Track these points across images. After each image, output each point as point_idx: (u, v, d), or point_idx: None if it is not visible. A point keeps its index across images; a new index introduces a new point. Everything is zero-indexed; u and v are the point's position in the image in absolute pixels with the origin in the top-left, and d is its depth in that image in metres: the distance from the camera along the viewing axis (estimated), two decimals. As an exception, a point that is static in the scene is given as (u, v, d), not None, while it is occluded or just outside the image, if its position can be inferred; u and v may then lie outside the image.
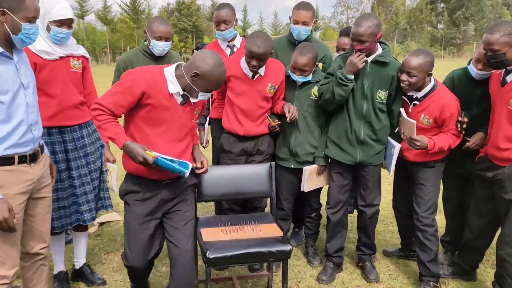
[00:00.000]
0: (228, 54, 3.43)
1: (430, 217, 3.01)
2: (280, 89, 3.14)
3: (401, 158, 3.03)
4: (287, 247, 2.60)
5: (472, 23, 58.61)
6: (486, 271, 3.24)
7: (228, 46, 3.47)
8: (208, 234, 2.69)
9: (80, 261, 3.16)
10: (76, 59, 2.84)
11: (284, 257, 2.61)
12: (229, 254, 2.52)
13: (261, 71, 3.03)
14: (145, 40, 3.27)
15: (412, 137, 2.83)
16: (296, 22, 3.28)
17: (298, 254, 3.57)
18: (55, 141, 2.80)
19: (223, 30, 3.36)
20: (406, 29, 63.79)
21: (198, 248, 2.81)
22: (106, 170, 3.05)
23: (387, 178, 5.22)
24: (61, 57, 2.75)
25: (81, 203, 2.91)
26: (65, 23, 2.67)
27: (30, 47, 2.60)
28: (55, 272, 3.07)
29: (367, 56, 2.88)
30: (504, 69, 2.67)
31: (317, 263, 3.39)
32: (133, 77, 2.34)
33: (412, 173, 3.07)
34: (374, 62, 2.90)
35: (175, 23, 56.45)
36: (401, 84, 2.88)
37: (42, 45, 2.66)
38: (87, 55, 2.96)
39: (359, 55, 2.82)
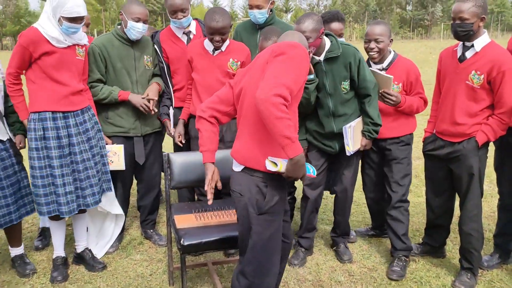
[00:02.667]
0: (186, 42, 3.34)
1: (406, 193, 3.12)
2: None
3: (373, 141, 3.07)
4: (262, 232, 2.60)
5: (440, 4, 59.48)
6: (455, 248, 3.34)
7: (184, 33, 3.34)
8: (182, 221, 2.67)
9: (80, 244, 3.15)
10: (80, 47, 2.88)
11: (259, 241, 2.61)
12: (204, 240, 2.51)
13: (223, 47, 3.10)
14: (119, 24, 3.21)
15: (388, 92, 2.91)
16: (251, 7, 3.33)
17: (272, 237, 3.59)
18: (60, 126, 2.81)
19: (180, 19, 3.22)
20: (376, 11, 64.28)
21: (173, 235, 2.79)
22: (107, 152, 3.07)
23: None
24: (69, 46, 2.80)
25: (85, 187, 2.91)
26: (77, 19, 2.69)
27: (42, 32, 2.69)
28: (54, 256, 3.06)
29: (318, 54, 2.89)
30: (462, 45, 2.74)
31: (292, 245, 3.42)
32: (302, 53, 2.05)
33: (385, 153, 3.13)
34: (326, 59, 2.90)
35: (143, 5, 55.11)
36: (370, 53, 3.00)
37: (54, 33, 2.71)
38: (87, 43, 2.99)
39: None
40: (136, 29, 3.09)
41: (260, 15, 3.33)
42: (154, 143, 3.42)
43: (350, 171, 3.14)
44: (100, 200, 2.99)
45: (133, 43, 3.20)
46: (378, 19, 60.76)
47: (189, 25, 3.35)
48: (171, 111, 3.40)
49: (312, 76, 2.86)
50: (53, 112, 2.79)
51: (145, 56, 3.27)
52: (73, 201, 2.86)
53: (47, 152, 2.80)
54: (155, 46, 3.34)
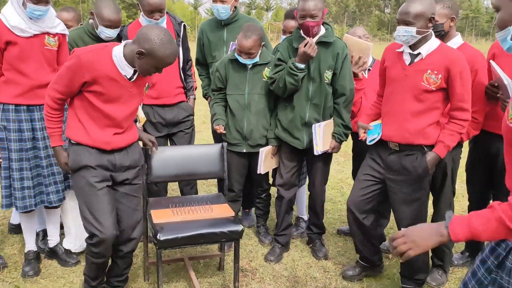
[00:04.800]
0: None
1: None
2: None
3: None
4: (239, 227, 2.61)
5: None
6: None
7: None
8: (159, 216, 2.65)
9: (53, 239, 3.09)
10: (51, 36, 2.73)
11: (236, 237, 2.63)
12: (180, 235, 2.50)
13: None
14: (90, 19, 3.09)
15: (364, 59, 3.01)
16: (215, 0, 3.29)
17: (249, 233, 3.61)
18: (22, 118, 2.72)
19: (157, 19, 3.03)
20: (355, 12, 65.00)
21: (149, 230, 2.77)
22: None
23: (336, 158, 5.36)
24: (35, 35, 2.65)
25: (48, 184, 2.82)
26: (42, 1, 2.56)
27: (4, 21, 2.56)
28: (26, 250, 2.99)
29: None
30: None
31: (268, 242, 3.44)
32: None
33: None
34: (318, 43, 2.90)
35: (122, -2, 54.23)
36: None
37: (16, 21, 2.57)
38: (65, 32, 2.83)
39: (311, 44, 2.81)
40: (106, 35, 2.98)
41: (223, 10, 3.29)
42: None
43: (319, 170, 3.16)
44: (64, 198, 2.92)
45: (103, 41, 3.06)
46: (357, 20, 61.57)
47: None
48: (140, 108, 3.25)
49: (303, 66, 2.87)
50: (16, 104, 2.69)
51: None
52: (31, 197, 2.78)
53: (7, 144, 2.73)
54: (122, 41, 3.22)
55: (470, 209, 3.14)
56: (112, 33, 3.00)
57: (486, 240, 1.41)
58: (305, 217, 3.62)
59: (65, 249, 3.11)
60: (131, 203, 2.45)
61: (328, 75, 2.94)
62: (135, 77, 2.29)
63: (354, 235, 2.92)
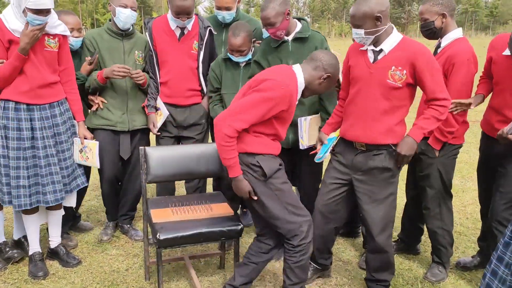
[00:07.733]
0: (178, 36, 3.19)
1: None
2: None
3: None
4: (238, 226, 2.62)
5: (416, 3, 60.45)
6: (427, 241, 3.41)
7: (178, 26, 3.19)
8: (158, 215, 2.66)
9: (54, 240, 3.10)
10: (51, 37, 2.76)
11: (235, 235, 2.64)
12: (180, 234, 2.51)
13: None
14: (110, 20, 3.19)
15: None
16: (219, 8, 3.30)
17: (249, 231, 3.62)
18: (22, 117, 2.73)
19: (184, 21, 3.09)
20: (354, 8, 65.10)
21: (149, 229, 2.78)
22: (84, 147, 2.98)
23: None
24: None
25: (45, 183, 2.83)
26: (43, 11, 2.59)
27: (5, 23, 2.61)
28: (30, 253, 2.99)
29: (287, 35, 2.88)
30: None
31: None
32: None
33: None
34: (294, 39, 2.90)
35: (121, -3, 54.16)
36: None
37: (15, 25, 2.61)
38: (66, 33, 2.85)
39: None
40: (123, 15, 3.04)
41: (229, 16, 3.34)
42: (141, 137, 3.36)
43: (308, 170, 3.10)
44: (62, 198, 2.90)
45: (123, 37, 3.15)
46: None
47: None
48: (161, 103, 3.26)
49: None
50: (16, 102, 2.71)
51: (136, 51, 3.21)
52: (26, 196, 2.78)
53: (6, 142, 2.74)
54: (146, 33, 3.23)
55: (481, 214, 3.07)
56: (129, 13, 3.05)
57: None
58: None
59: (66, 250, 3.12)
60: None
61: None
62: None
63: (314, 240, 2.69)
